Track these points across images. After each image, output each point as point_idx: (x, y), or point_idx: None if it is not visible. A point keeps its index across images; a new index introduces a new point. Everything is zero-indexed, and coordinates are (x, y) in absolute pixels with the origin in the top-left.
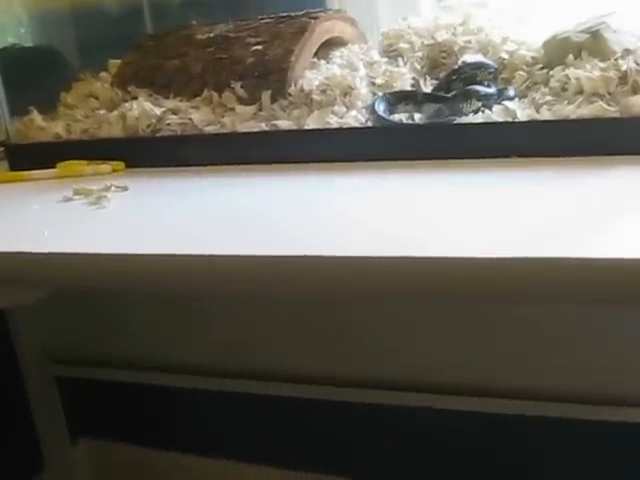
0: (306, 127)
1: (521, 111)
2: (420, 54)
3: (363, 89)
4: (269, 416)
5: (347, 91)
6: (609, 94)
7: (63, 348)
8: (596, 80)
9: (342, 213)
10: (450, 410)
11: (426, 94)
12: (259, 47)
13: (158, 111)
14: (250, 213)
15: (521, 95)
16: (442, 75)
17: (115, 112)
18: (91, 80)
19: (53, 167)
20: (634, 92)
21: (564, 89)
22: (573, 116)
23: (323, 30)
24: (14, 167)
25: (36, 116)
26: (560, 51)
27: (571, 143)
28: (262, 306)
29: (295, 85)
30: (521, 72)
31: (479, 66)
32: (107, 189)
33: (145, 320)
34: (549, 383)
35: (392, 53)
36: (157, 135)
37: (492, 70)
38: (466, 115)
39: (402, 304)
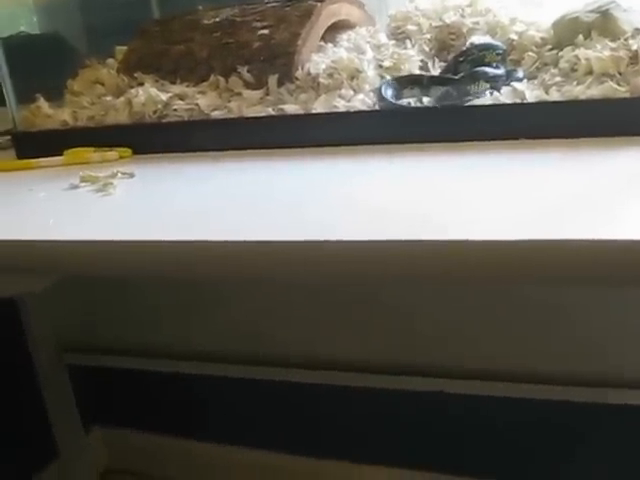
0: (313, 111)
1: (530, 92)
2: (428, 36)
3: (370, 72)
4: (283, 402)
5: (354, 74)
6: (619, 74)
7: (74, 336)
8: (606, 60)
9: (350, 197)
10: (463, 395)
11: (433, 77)
12: (265, 31)
13: (164, 97)
14: (258, 198)
15: (530, 76)
16: (450, 57)
17: (121, 98)
18: (97, 67)
19: (60, 154)
20: None
21: (574, 70)
22: (583, 97)
23: (330, 13)
24: (21, 155)
25: (42, 103)
26: (570, 31)
27: (581, 124)
28: (274, 292)
29: (302, 69)
30: (530, 53)
31: (487, 47)
32: (114, 176)
33: (156, 307)
34: (568, 367)
35: (400, 35)
36: (163, 121)
37: (501, 51)
38: (474, 97)
39: (414, 287)
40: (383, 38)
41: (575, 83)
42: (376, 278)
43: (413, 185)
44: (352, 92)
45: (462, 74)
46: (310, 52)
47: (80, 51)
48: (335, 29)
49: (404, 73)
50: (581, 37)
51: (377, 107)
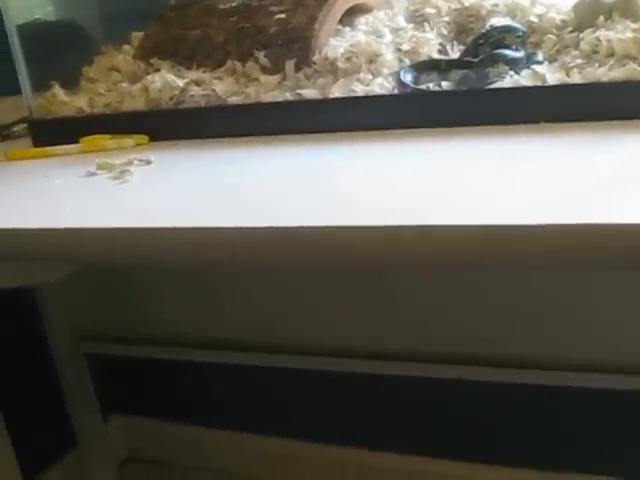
0: (331, 96)
1: (551, 75)
2: (447, 19)
3: (389, 56)
4: (300, 390)
5: (373, 58)
6: None
7: (92, 325)
8: (628, 42)
9: (369, 182)
10: (481, 381)
11: (452, 60)
12: (282, 15)
13: (181, 83)
14: (276, 184)
15: (551, 59)
16: (469, 40)
17: (137, 85)
18: (113, 53)
19: (76, 142)
20: None
21: (595, 52)
22: (605, 79)
23: None
24: (37, 143)
25: (58, 90)
26: (590, 13)
27: (603, 107)
28: (289, 279)
29: (319, 53)
30: (550, 35)
31: (507, 30)
32: (130, 163)
33: (174, 296)
34: (577, 352)
35: (418, 19)
36: (180, 107)
37: (520, 34)
38: (494, 80)
39: (431, 273)
40: (401, 21)
41: (597, 65)
42: (397, 264)
43: (433, 169)
44: (370, 76)
45: (481, 57)
46: (328, 36)
47: (96, 38)
48: (353, 13)
49: (423, 56)
50: (602, 18)
51: (396, 91)
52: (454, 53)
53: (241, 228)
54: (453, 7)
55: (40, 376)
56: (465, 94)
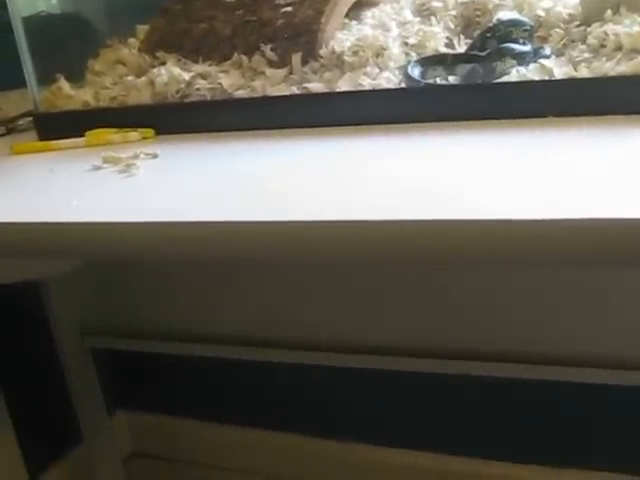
0: (338, 90)
1: (558, 69)
2: (454, 12)
3: (396, 49)
4: (304, 385)
5: (379, 52)
6: None
7: (98, 320)
8: (635, 36)
9: (377, 177)
10: (490, 377)
11: (459, 54)
12: (289, 8)
13: (187, 76)
14: (283, 178)
15: (558, 53)
16: (476, 34)
17: (143, 78)
18: (119, 46)
19: (81, 136)
20: None
21: (602, 46)
22: (612, 73)
23: None
24: (42, 137)
25: (64, 84)
26: (598, 7)
27: (610, 101)
28: (294, 275)
29: (326, 47)
30: (558, 30)
31: (514, 24)
32: (136, 157)
33: (180, 290)
34: (586, 349)
35: (425, 12)
36: (186, 101)
37: (528, 28)
38: (501, 74)
39: (441, 269)
40: (408, 15)
41: (604, 59)
42: (401, 259)
43: (440, 164)
44: (377, 70)
45: (489, 51)
46: (334, 30)
47: (101, 31)
48: (359, 6)
49: (429, 50)
50: (609, 12)
51: (403, 85)
52: (461, 47)
53: (247, 222)
54: (460, 1)
55: (45, 371)
56: (472, 88)
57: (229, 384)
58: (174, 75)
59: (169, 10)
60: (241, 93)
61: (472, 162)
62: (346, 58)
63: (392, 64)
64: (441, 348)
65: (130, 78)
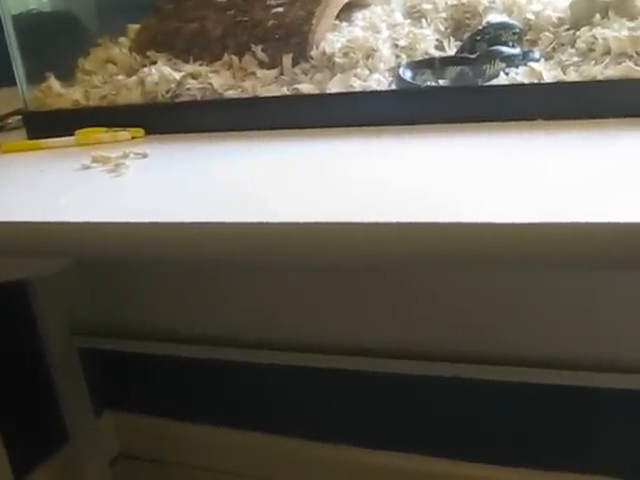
0: (328, 91)
1: (547, 72)
2: (444, 15)
3: (386, 51)
4: (291, 387)
5: (370, 53)
6: (637, 54)
7: (86, 319)
8: (624, 40)
9: (366, 179)
10: (478, 380)
11: (449, 57)
12: (280, 9)
13: (177, 76)
14: (272, 180)
15: (547, 56)
16: (466, 36)
17: (134, 77)
18: (109, 45)
19: (71, 135)
20: None
21: (591, 50)
22: (601, 77)
23: None
24: (32, 135)
25: (53, 82)
26: (587, 11)
27: (599, 105)
28: (283, 277)
29: (317, 48)
30: (547, 33)
31: (504, 27)
32: (126, 156)
33: (168, 291)
34: (578, 352)
35: (415, 14)
36: (177, 101)
37: (517, 31)
38: (491, 77)
39: (428, 271)
40: (399, 17)
41: (593, 63)
42: (390, 261)
43: (429, 166)
44: (367, 72)
45: (478, 53)
46: (325, 31)
47: (92, 29)
48: (350, 8)
49: (420, 52)
50: (598, 16)
51: (393, 87)
52: (451, 49)
53: (236, 223)
54: (450, 3)
55: (32, 370)
56: (462, 91)
57: (217, 385)
58: (164, 75)
59: (160, 9)
60: (231, 93)
61: (462, 165)
62: (337, 59)
63: (382, 66)
64: (429, 350)
65: (120, 77)
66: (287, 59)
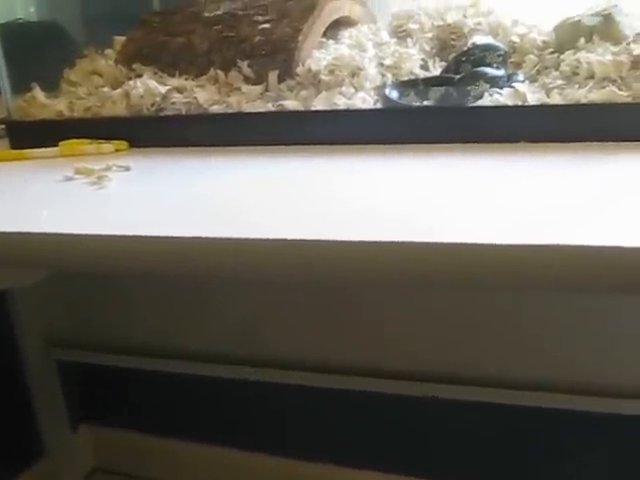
0: (313, 108)
1: (531, 95)
2: (430, 35)
3: (372, 70)
4: (272, 404)
5: (355, 72)
6: (621, 79)
7: (64, 331)
8: (607, 64)
9: (349, 197)
10: (457, 400)
11: (434, 77)
12: (267, 25)
13: (163, 89)
14: (254, 195)
15: (531, 79)
16: (451, 57)
17: (119, 90)
18: (95, 57)
19: (55, 145)
20: None
21: (575, 73)
22: (584, 100)
23: (332, 9)
24: (15, 145)
25: (38, 93)
26: (571, 35)
27: (582, 128)
28: (266, 292)
29: (303, 65)
30: (531, 56)
31: (488, 48)
32: (109, 169)
33: (149, 304)
34: (554, 374)
35: (401, 34)
36: (161, 114)
37: (502, 53)
38: (475, 98)
39: (410, 291)
40: (385, 36)
41: (577, 87)
42: (371, 280)
43: (411, 186)
44: (353, 90)
45: (463, 74)
46: (311, 48)
47: (78, 40)
48: (337, 26)
49: (405, 72)
50: (583, 41)
51: (379, 106)
52: (436, 69)
53: (218, 238)
54: (436, 24)
55: (9, 382)
56: (447, 111)
57: (196, 401)
58: (150, 88)
59: (147, 22)
60: (216, 108)
61: (444, 185)
62: (322, 77)
63: (368, 84)
64: (410, 369)
65: (105, 89)
66: (273, 75)
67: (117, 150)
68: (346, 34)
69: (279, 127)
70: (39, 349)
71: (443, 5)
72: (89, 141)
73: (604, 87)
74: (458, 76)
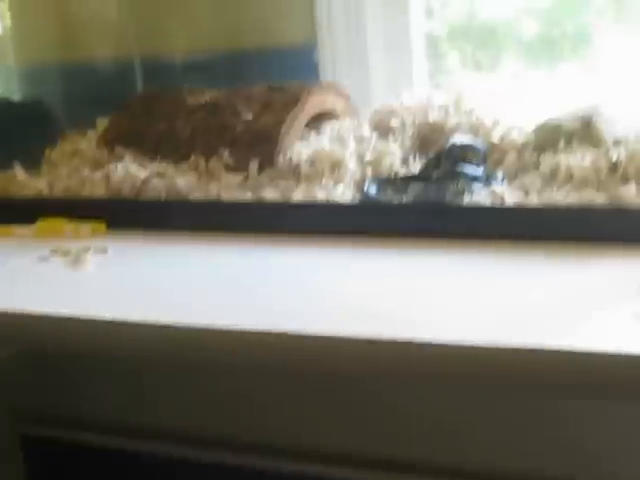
0: (292, 200)
1: (510, 195)
2: (411, 132)
3: (352, 164)
4: None
5: (336, 166)
6: (599, 183)
7: (32, 406)
8: (586, 168)
9: (320, 289)
10: None
11: (414, 175)
12: (250, 116)
13: (143, 174)
14: (229, 283)
15: (510, 179)
16: (431, 154)
17: (99, 172)
18: (77, 138)
19: (33, 223)
20: (624, 182)
21: (554, 175)
22: (562, 203)
23: (315, 102)
24: None
25: (19, 171)
26: (551, 137)
27: (559, 230)
28: (238, 373)
29: (284, 156)
30: (511, 156)
31: (469, 147)
32: (86, 250)
33: (116, 382)
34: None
35: (383, 129)
36: (140, 198)
37: (481, 152)
38: (454, 196)
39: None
40: (366, 131)
41: (555, 189)
42: (341, 371)
43: (385, 281)
44: (332, 183)
45: (442, 172)
46: (293, 140)
47: (61, 120)
48: (319, 118)
49: (385, 167)
50: (562, 143)
51: (357, 200)
52: (416, 166)
53: (186, 326)
54: (418, 121)
55: None
56: (425, 208)
57: None
58: (130, 172)
59: (130, 106)
60: (196, 195)
61: (419, 282)
62: (303, 169)
63: (348, 178)
64: (392, 459)
65: (86, 170)
66: (254, 165)
67: (94, 231)
68: (328, 127)
69: (257, 216)
70: (4, 423)
71: (425, 103)
72: (67, 221)
73: (582, 190)
74: (437, 173)
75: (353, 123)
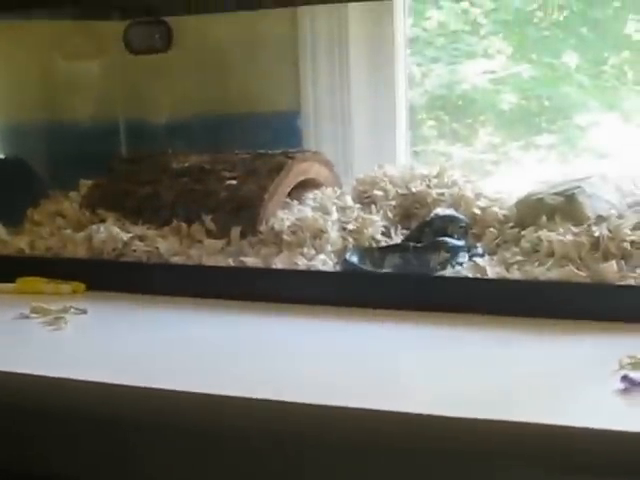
0: (273, 267)
1: (491, 268)
2: (393, 203)
3: (334, 233)
4: None
5: (318, 234)
6: (580, 259)
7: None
8: (568, 244)
9: (298, 357)
10: None
11: (395, 245)
12: (233, 182)
13: (125, 236)
14: (208, 350)
15: (491, 252)
16: (413, 225)
17: (82, 233)
18: (60, 198)
19: (13, 282)
20: (605, 259)
21: (535, 250)
22: (543, 278)
23: (299, 171)
24: None
25: (0, 229)
26: (533, 212)
27: (540, 305)
28: (206, 443)
29: (266, 223)
30: (492, 229)
31: (450, 219)
32: (66, 311)
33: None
34: None
35: (366, 199)
36: (121, 260)
37: (463, 224)
38: (435, 268)
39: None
40: (349, 200)
41: (536, 264)
42: (312, 442)
43: (362, 351)
44: (314, 251)
45: (424, 243)
46: (276, 207)
47: (44, 180)
48: (303, 186)
49: (367, 237)
50: (544, 218)
51: (338, 269)
52: (397, 237)
53: (168, 391)
54: (400, 192)
55: None
56: (406, 279)
57: None
58: (112, 234)
59: (114, 169)
60: (177, 259)
61: (397, 353)
62: (285, 237)
63: (329, 247)
64: None
65: (68, 231)
66: (235, 231)
67: (74, 291)
68: (311, 196)
69: (238, 282)
70: None
71: (408, 173)
72: (47, 280)
73: (563, 266)
74: (418, 244)
75: (336, 192)
